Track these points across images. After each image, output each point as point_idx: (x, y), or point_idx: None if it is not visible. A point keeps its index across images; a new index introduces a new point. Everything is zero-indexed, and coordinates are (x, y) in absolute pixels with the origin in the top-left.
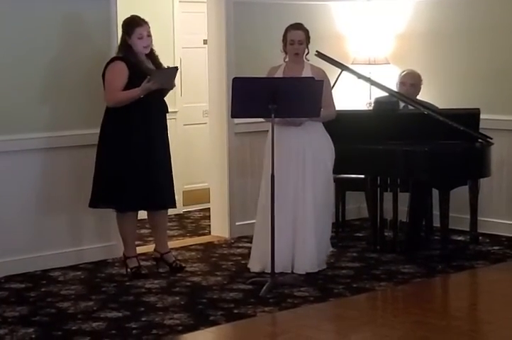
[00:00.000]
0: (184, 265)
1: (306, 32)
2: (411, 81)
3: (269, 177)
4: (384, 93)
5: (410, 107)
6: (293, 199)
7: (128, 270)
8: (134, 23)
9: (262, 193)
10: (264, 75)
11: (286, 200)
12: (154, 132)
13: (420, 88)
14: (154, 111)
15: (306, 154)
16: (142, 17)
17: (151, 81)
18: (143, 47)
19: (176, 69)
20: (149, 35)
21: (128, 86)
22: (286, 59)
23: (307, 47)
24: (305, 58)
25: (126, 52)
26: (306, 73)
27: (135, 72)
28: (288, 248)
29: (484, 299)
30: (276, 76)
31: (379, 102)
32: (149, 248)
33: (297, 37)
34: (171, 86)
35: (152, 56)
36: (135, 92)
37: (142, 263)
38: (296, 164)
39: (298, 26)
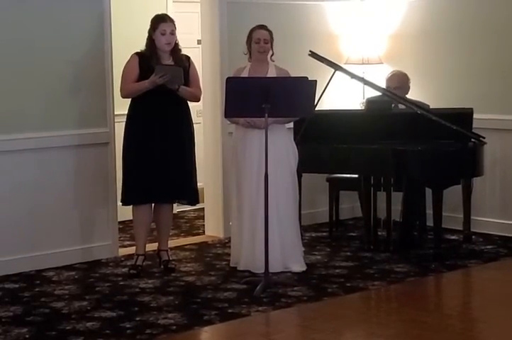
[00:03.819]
0: (174, 265)
1: (271, 33)
2: (396, 85)
3: (239, 180)
4: (377, 93)
5: (401, 106)
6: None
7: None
8: (160, 19)
9: (233, 195)
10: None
11: (252, 201)
12: (164, 127)
13: (408, 88)
14: (166, 109)
15: (270, 156)
16: (170, 16)
17: (157, 76)
18: (164, 44)
19: (179, 68)
20: (172, 33)
21: (140, 79)
22: (250, 60)
23: (271, 48)
24: (271, 59)
25: (149, 45)
26: (271, 73)
27: (148, 66)
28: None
29: (477, 298)
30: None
31: (371, 101)
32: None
33: (263, 35)
34: (178, 83)
35: (174, 53)
36: (144, 84)
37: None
38: (258, 166)
39: (263, 26)
